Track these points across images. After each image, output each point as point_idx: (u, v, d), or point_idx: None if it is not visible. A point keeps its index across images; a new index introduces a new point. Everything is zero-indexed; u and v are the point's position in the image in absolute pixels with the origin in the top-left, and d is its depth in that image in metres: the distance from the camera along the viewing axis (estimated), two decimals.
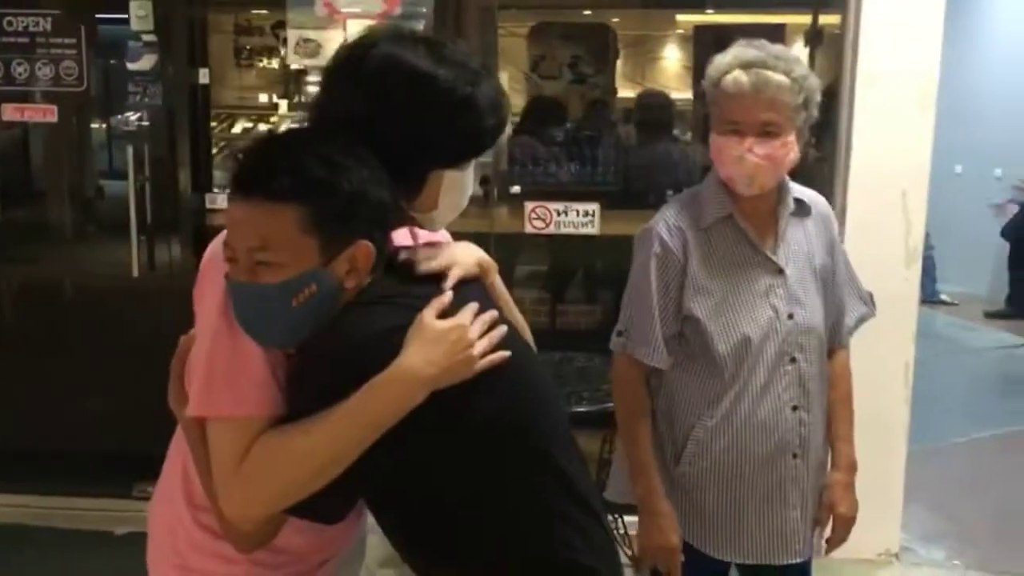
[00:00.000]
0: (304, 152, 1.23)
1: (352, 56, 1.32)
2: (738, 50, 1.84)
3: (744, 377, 1.85)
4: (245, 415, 1.24)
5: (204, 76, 3.65)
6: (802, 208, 1.93)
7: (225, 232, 1.27)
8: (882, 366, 3.34)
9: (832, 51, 3.47)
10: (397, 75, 1.28)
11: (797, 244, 1.90)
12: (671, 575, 1.90)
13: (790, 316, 1.86)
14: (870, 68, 3.19)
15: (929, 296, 7.83)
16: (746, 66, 1.80)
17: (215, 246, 1.32)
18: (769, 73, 1.78)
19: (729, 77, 1.81)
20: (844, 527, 1.98)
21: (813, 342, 1.90)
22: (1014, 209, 7.33)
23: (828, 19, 3.52)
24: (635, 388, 1.91)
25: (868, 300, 2.04)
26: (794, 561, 1.93)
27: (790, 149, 1.82)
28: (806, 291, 1.89)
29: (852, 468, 1.98)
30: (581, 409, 2.70)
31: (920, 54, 3.17)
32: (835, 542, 1.98)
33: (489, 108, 1.32)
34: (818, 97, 1.84)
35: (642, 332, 1.88)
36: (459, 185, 1.37)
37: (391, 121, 1.27)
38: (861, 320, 2.03)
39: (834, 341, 1.99)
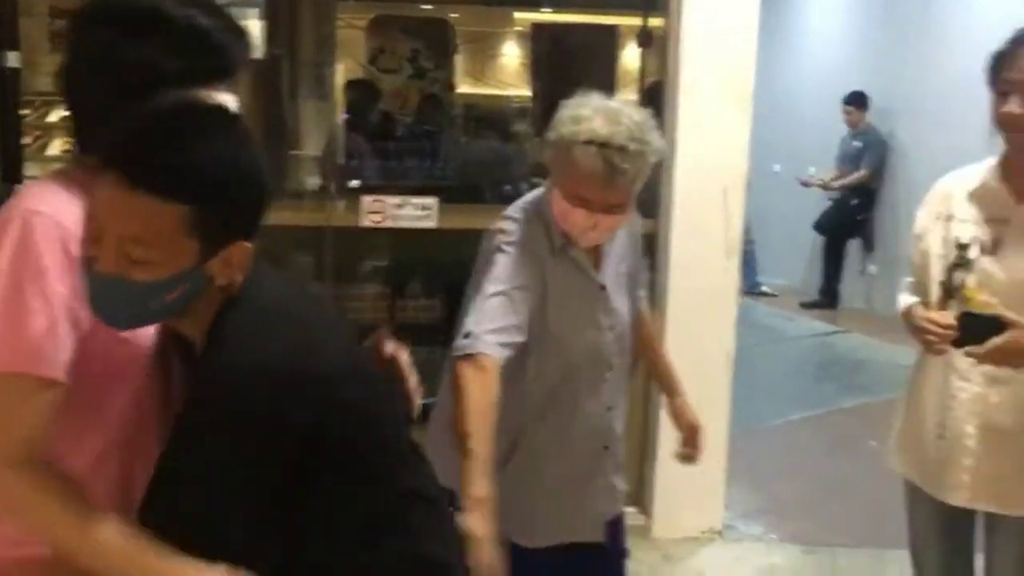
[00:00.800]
0: (198, 147, 1.18)
1: (81, 10, 1.36)
2: (594, 119, 1.78)
3: (571, 387, 1.95)
4: (16, 371, 1.22)
5: (14, 60, 3.42)
6: None
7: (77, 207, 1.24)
8: (705, 354, 3.52)
9: (660, 52, 3.62)
10: (118, 11, 1.33)
11: (612, 257, 2.00)
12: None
13: (611, 328, 1.98)
14: (692, 70, 3.35)
15: (751, 288, 8.29)
16: (603, 145, 1.75)
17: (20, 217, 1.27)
18: (626, 166, 1.76)
19: (582, 154, 1.77)
20: (701, 436, 2.22)
21: (626, 343, 2.04)
22: (818, 181, 7.83)
23: (656, 22, 3.66)
24: (495, 386, 1.78)
25: (644, 266, 2.23)
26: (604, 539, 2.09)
27: (631, 208, 1.91)
28: (619, 300, 2.01)
29: (683, 390, 2.25)
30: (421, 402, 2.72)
31: (737, 57, 3.36)
32: (699, 451, 2.21)
33: (216, 28, 1.35)
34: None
35: (503, 329, 1.81)
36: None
37: (120, 56, 1.29)
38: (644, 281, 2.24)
39: (635, 311, 2.12)
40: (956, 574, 2.17)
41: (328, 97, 5.27)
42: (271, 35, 4.16)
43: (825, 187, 7.73)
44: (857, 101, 7.50)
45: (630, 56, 5.81)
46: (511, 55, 8.22)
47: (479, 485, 1.63)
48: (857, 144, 7.59)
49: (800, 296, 7.96)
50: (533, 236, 1.89)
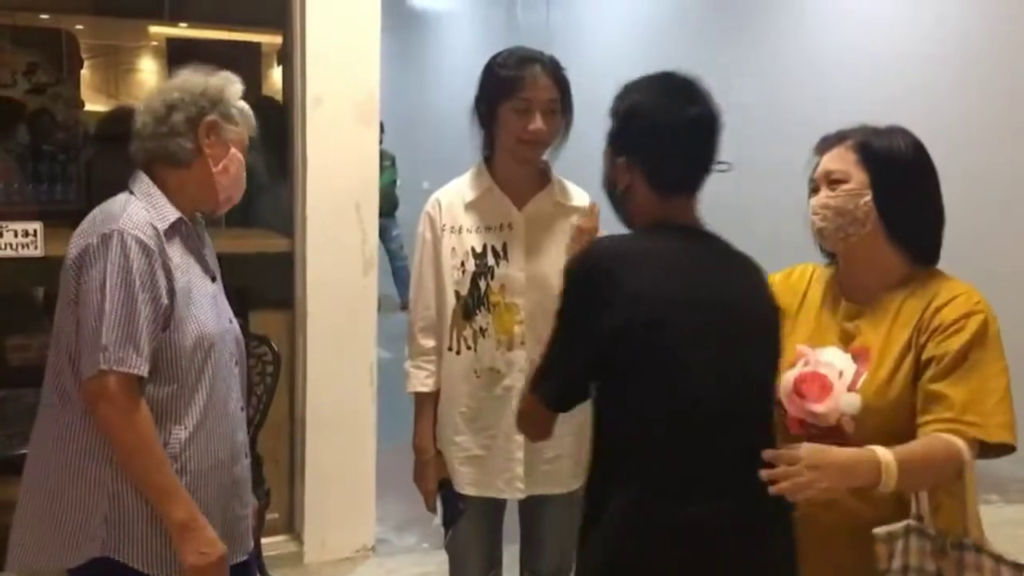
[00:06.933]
0: None
1: None
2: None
3: (208, 384, 1.83)
4: None
5: None
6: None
7: None
8: (348, 369, 3.50)
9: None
10: None
11: (212, 251, 1.96)
12: None
13: (230, 320, 1.90)
14: (317, 87, 3.34)
15: (406, 303, 8.46)
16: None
17: None
18: None
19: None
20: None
21: (241, 345, 1.97)
22: None
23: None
24: (141, 406, 1.72)
25: None
26: (244, 558, 1.97)
27: None
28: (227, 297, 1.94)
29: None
30: (25, 451, 2.41)
31: (360, 72, 3.39)
32: None
33: None
34: None
35: (133, 341, 1.70)
36: None
37: None
38: None
39: None
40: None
41: None
42: None
43: None
44: None
45: (276, 74, 5.73)
46: (147, 70, 7.74)
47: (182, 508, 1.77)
48: None
49: None
50: (146, 219, 1.89)
